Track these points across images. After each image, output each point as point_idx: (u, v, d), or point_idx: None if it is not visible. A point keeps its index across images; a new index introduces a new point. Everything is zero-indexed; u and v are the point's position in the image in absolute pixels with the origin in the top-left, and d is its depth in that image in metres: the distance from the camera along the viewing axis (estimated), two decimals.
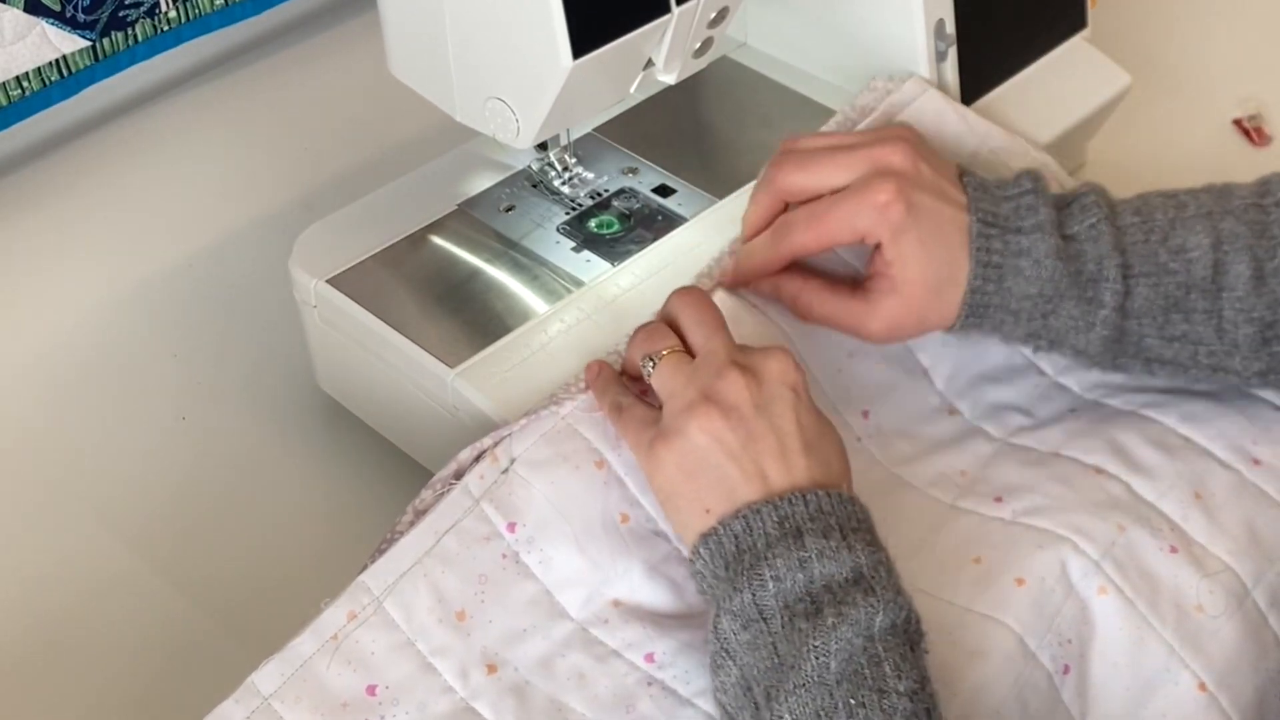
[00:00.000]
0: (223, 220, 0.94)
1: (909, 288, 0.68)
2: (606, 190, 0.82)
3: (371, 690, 0.60)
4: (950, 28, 0.84)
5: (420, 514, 0.64)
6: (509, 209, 0.80)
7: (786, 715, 0.55)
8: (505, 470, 0.64)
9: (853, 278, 0.72)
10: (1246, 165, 1.00)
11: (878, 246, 0.68)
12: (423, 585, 0.62)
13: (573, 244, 0.78)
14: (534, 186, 0.82)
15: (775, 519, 0.58)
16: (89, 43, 0.88)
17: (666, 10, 0.70)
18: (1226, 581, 0.65)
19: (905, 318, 0.69)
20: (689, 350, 0.64)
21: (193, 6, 0.93)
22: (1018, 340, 0.71)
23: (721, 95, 0.90)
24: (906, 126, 0.74)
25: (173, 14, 0.92)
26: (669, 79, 0.75)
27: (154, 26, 0.92)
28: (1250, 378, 0.69)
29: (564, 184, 0.82)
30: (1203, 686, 0.63)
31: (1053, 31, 0.91)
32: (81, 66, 0.89)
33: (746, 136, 0.87)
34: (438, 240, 0.79)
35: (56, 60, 0.88)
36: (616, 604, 0.63)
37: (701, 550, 0.60)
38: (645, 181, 0.82)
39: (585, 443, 0.65)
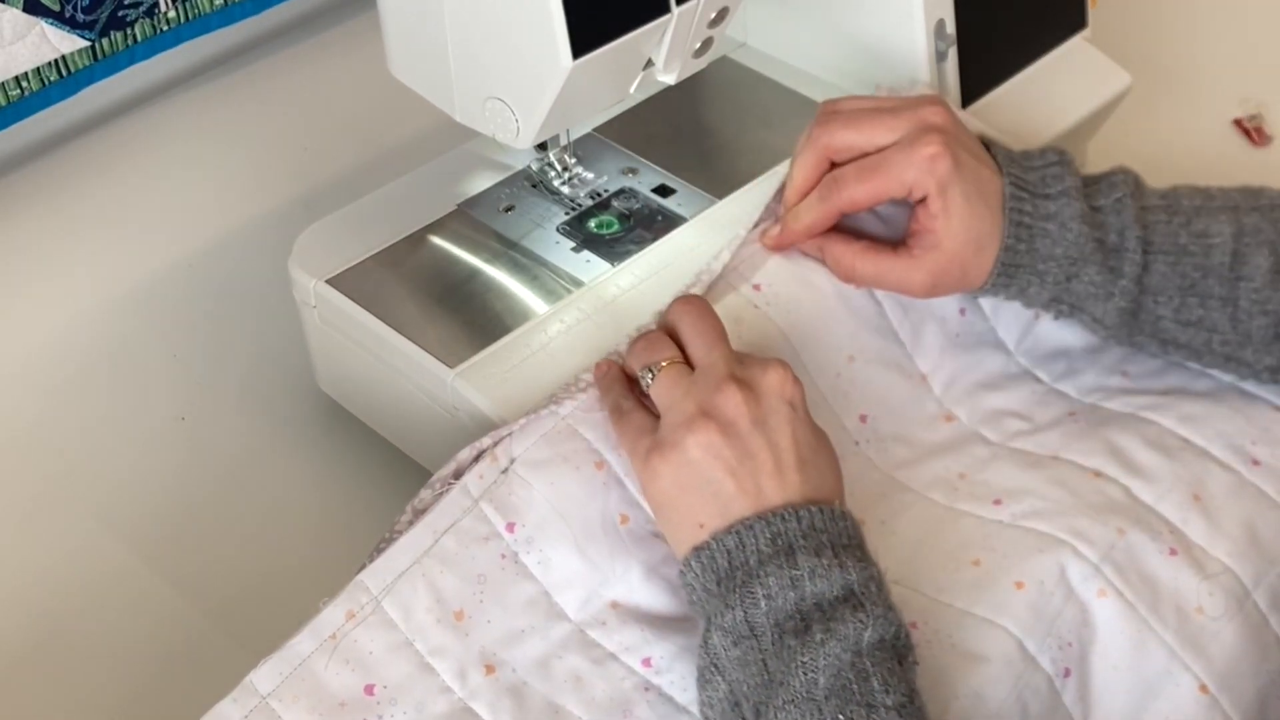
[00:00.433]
0: (223, 220, 0.94)
1: (952, 241, 0.70)
2: (606, 190, 0.82)
3: (369, 690, 0.60)
4: (950, 28, 0.84)
5: (419, 514, 0.64)
6: (509, 209, 0.80)
7: None
8: (505, 470, 0.64)
9: (891, 241, 0.74)
10: (1246, 165, 1.00)
11: (921, 203, 0.70)
12: (421, 585, 0.62)
13: (572, 244, 0.78)
14: (534, 186, 0.82)
15: (768, 535, 0.59)
16: (88, 43, 0.88)
17: (666, 10, 0.70)
18: (1227, 583, 0.65)
19: (948, 272, 0.71)
20: (688, 361, 0.64)
21: (192, 6, 0.93)
22: (1040, 304, 0.73)
23: (721, 95, 0.90)
24: (936, 94, 0.77)
25: (172, 14, 0.92)
26: (669, 79, 0.75)
27: (153, 26, 0.92)
28: (1261, 371, 0.70)
29: (564, 184, 0.82)
30: (1204, 688, 0.63)
31: (1053, 31, 0.91)
32: (80, 66, 0.89)
33: (746, 136, 0.86)
34: (437, 240, 0.79)
35: (56, 60, 0.87)
36: (615, 605, 0.63)
37: (693, 563, 0.60)
38: (645, 181, 0.82)
39: (585, 443, 0.65)
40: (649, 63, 0.73)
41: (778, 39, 0.91)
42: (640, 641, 0.63)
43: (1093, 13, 0.93)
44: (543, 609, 0.63)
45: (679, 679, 0.62)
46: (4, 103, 0.86)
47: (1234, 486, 0.69)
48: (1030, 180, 0.71)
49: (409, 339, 0.72)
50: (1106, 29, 0.99)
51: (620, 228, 0.79)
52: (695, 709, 0.62)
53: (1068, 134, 0.88)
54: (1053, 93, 0.89)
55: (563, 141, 0.81)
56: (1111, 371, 0.76)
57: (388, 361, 0.74)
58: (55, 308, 0.88)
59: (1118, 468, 0.69)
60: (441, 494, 0.64)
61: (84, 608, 0.74)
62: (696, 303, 0.67)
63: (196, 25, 0.94)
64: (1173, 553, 0.66)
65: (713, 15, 0.73)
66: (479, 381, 0.70)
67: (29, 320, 0.88)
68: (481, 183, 0.82)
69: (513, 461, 0.64)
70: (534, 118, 0.71)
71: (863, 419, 0.72)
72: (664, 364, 0.64)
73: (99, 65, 0.90)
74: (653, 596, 0.64)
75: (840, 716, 0.54)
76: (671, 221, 0.79)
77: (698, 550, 0.60)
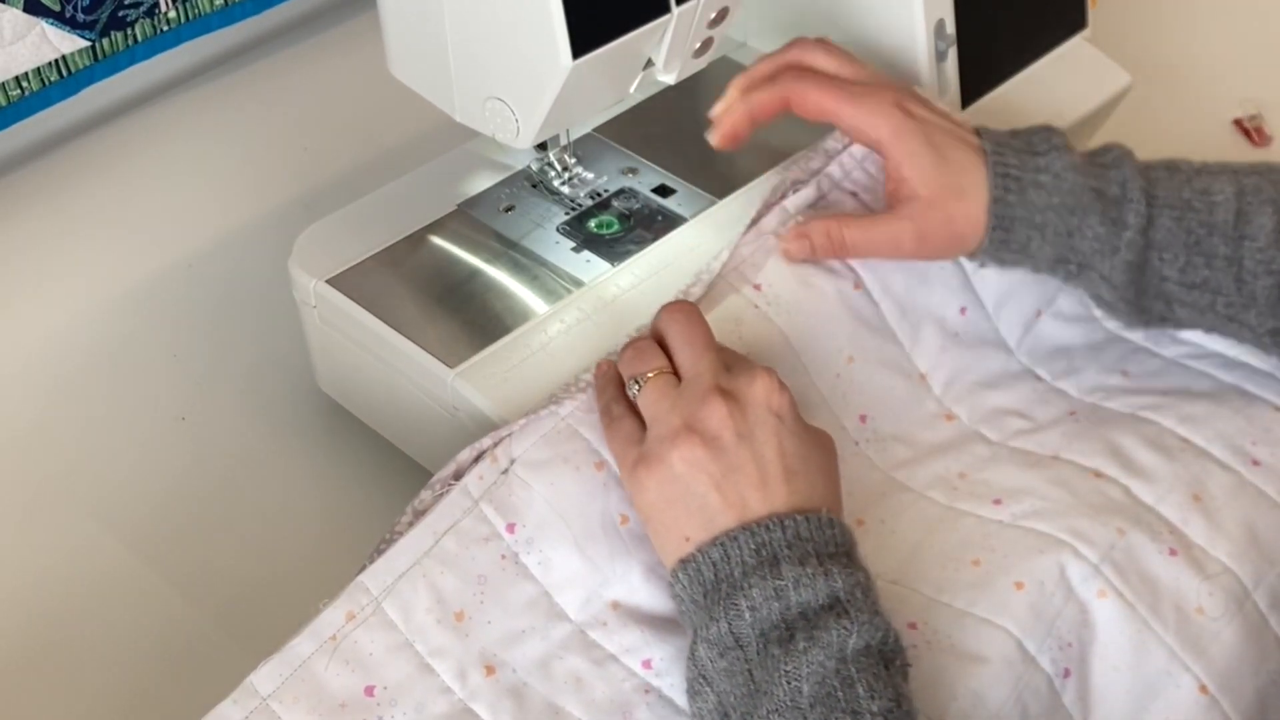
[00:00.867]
0: (222, 220, 0.94)
1: (926, 187, 0.71)
2: (606, 190, 0.82)
3: (370, 691, 0.60)
4: (950, 28, 0.84)
5: (419, 514, 0.64)
6: (509, 209, 0.80)
7: None
8: (505, 471, 0.64)
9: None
10: None
11: (888, 163, 0.72)
12: (421, 586, 0.62)
13: (572, 244, 0.78)
14: (534, 187, 0.82)
15: (752, 546, 0.58)
16: (88, 43, 0.88)
17: (666, 10, 0.70)
18: (1227, 584, 0.65)
19: (932, 219, 0.71)
20: (676, 370, 0.64)
21: (192, 6, 0.93)
22: (1046, 266, 0.72)
23: (721, 95, 0.90)
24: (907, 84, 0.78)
25: (172, 14, 0.92)
26: (669, 79, 0.75)
27: (153, 26, 0.92)
28: (1263, 335, 0.70)
29: (564, 184, 0.82)
30: (1204, 689, 0.63)
31: (1053, 31, 0.91)
32: (81, 66, 0.89)
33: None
34: (437, 240, 0.79)
35: (56, 60, 0.87)
36: (615, 606, 0.63)
37: (680, 575, 0.60)
38: (645, 181, 0.82)
39: (585, 444, 0.65)
40: (649, 63, 0.73)
41: (778, 39, 0.91)
42: (640, 643, 0.63)
43: (1093, 13, 0.93)
44: (543, 610, 0.63)
45: (679, 681, 0.62)
46: (4, 103, 0.86)
47: (1234, 487, 0.69)
48: (1015, 144, 0.72)
49: (409, 339, 0.72)
50: (1106, 29, 0.99)
51: (620, 228, 0.79)
52: None
53: (1067, 133, 0.88)
54: (1053, 93, 0.89)
55: (563, 141, 0.81)
56: (1112, 371, 0.76)
57: (388, 361, 0.74)
58: (55, 308, 0.88)
59: (1118, 468, 0.69)
60: (441, 495, 0.64)
61: (84, 608, 0.73)
62: (685, 309, 0.66)
63: (197, 25, 0.94)
64: (1173, 553, 0.66)
65: (713, 15, 0.73)
66: (479, 381, 0.70)
67: (29, 320, 0.87)
68: (481, 183, 0.82)
69: (513, 462, 0.64)
70: (534, 118, 0.71)
71: (862, 419, 0.72)
72: (650, 375, 0.64)
73: (99, 65, 0.90)
74: (653, 596, 0.64)
75: None
76: (671, 221, 0.79)
77: (684, 563, 0.60)
